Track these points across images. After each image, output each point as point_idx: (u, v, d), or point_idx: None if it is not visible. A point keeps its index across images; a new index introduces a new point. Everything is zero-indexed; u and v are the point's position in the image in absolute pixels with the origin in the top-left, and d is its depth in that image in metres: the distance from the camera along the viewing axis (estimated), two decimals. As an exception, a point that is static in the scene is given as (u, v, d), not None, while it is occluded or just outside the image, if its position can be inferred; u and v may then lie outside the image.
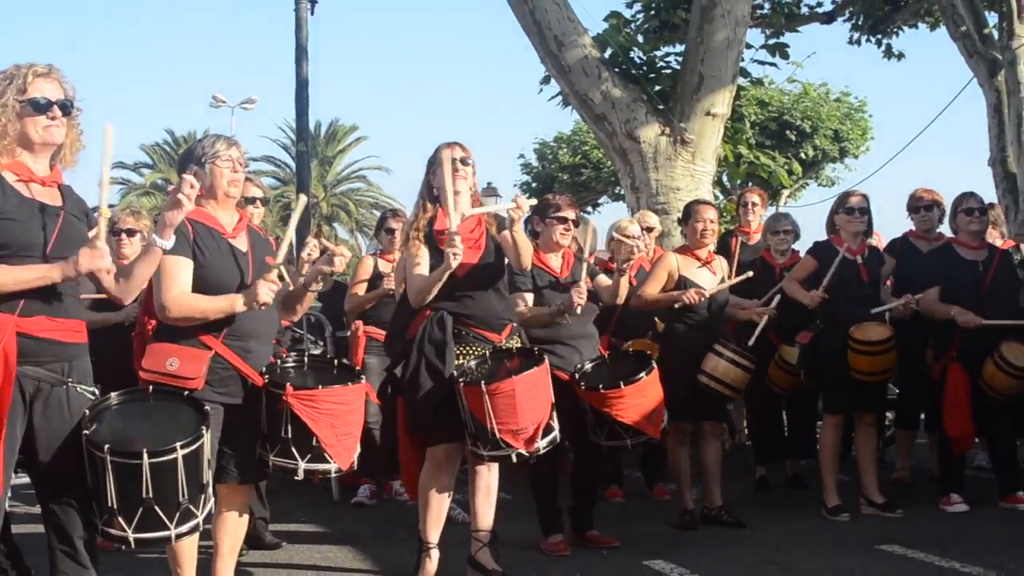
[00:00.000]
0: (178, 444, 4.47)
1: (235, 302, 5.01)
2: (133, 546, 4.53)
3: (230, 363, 5.07)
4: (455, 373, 5.79)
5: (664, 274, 7.48)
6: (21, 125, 4.38)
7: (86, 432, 4.40)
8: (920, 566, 6.28)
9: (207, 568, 5.36)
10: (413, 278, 5.91)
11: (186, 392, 4.85)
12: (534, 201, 6.16)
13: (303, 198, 5.67)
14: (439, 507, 5.99)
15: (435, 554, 5.96)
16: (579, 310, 6.56)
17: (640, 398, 6.51)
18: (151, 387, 4.88)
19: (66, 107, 4.45)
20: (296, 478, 5.24)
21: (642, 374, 6.53)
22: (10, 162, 4.39)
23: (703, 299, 7.35)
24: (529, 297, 6.74)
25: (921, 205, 8.62)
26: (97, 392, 4.58)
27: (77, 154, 4.59)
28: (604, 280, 7.14)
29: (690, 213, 7.71)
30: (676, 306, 7.34)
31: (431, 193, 6.05)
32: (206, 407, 4.75)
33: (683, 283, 7.43)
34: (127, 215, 7.56)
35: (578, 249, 7.07)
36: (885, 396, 8.51)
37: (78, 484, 4.43)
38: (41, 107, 4.39)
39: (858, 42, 18.04)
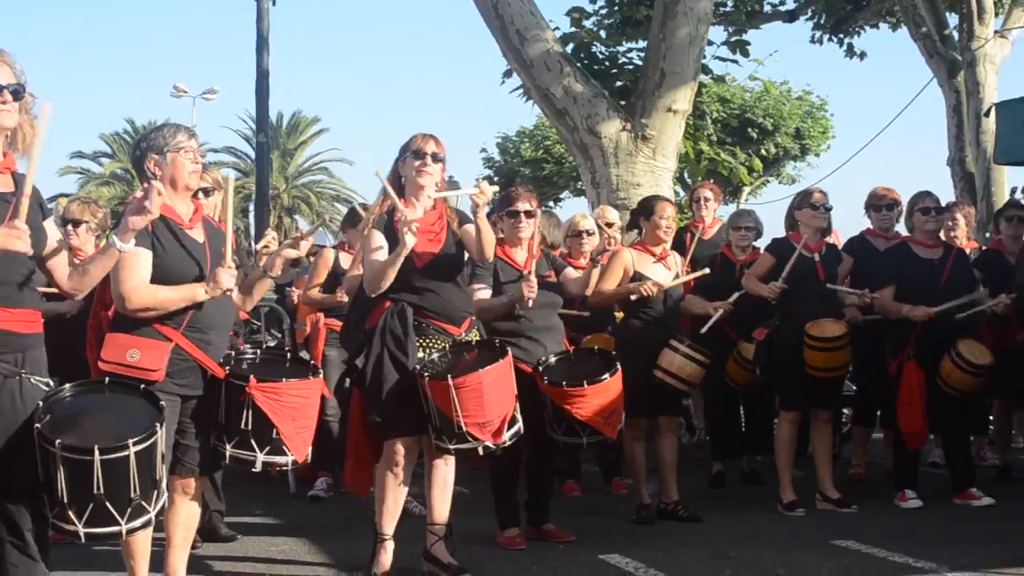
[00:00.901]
0: (131, 441, 4.42)
1: (196, 291, 4.99)
2: (83, 540, 4.49)
3: (190, 354, 5.04)
4: (418, 367, 5.77)
5: (619, 270, 7.48)
6: None
7: (38, 425, 4.34)
8: (874, 561, 6.31)
9: (161, 560, 5.33)
10: (369, 264, 5.89)
11: (143, 385, 4.81)
12: (496, 188, 6.12)
13: (230, 178, 5.64)
14: (395, 499, 5.96)
15: (390, 546, 5.94)
16: (530, 303, 6.53)
17: (601, 398, 6.51)
18: (107, 379, 4.83)
19: (18, 92, 4.37)
20: (254, 470, 5.25)
21: (606, 375, 6.53)
22: None
23: (659, 292, 7.35)
24: (486, 294, 6.73)
25: (882, 204, 8.67)
26: (52, 383, 4.54)
27: (34, 140, 4.52)
28: (572, 273, 7.10)
29: (651, 209, 7.70)
30: (632, 298, 7.34)
31: (398, 181, 6.01)
32: (161, 402, 4.71)
33: (638, 279, 7.41)
34: (76, 205, 7.49)
35: (541, 242, 7.05)
36: (841, 392, 8.58)
37: (28, 476, 4.37)
38: None
39: (820, 41, 18.17)
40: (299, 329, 9.29)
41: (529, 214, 6.84)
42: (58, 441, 4.31)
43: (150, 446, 4.50)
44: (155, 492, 4.60)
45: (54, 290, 4.70)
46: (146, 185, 4.60)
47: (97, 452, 4.34)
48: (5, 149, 4.47)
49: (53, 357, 4.65)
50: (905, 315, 7.72)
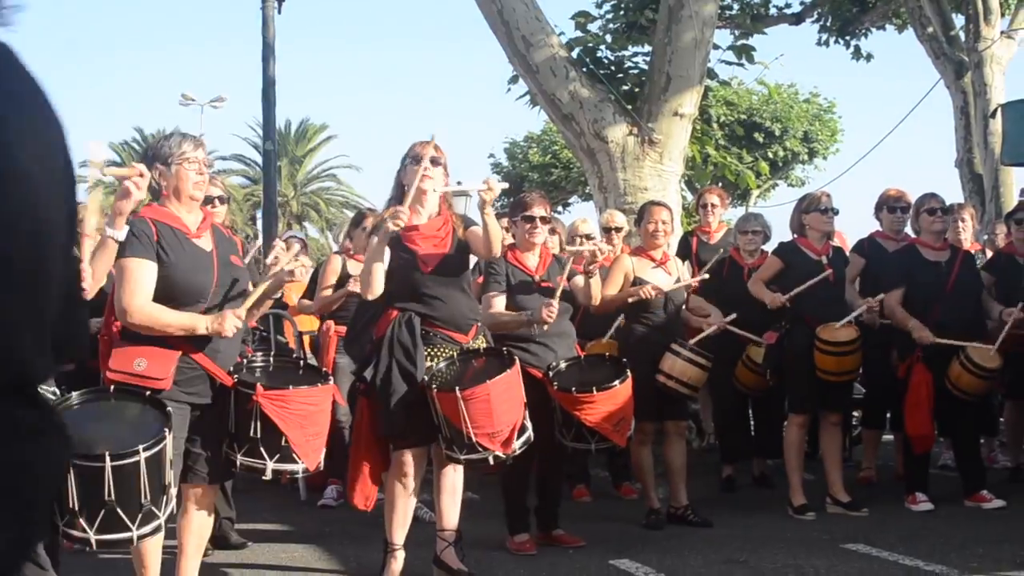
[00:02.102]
0: (140, 447, 4.46)
1: (197, 322, 4.98)
2: (95, 547, 4.53)
3: (198, 363, 5.05)
4: (426, 378, 5.78)
5: (620, 275, 7.49)
6: None
7: (46, 432, 4.36)
8: (885, 565, 6.31)
9: (172, 568, 5.33)
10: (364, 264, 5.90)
11: (147, 392, 4.82)
12: (506, 184, 6.13)
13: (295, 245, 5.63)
14: (405, 509, 5.97)
15: (400, 555, 5.95)
16: (546, 328, 6.55)
17: (611, 405, 6.51)
18: (112, 387, 4.85)
19: None
20: (264, 478, 5.26)
21: (616, 382, 6.54)
22: None
23: (659, 296, 7.35)
24: (501, 300, 6.73)
25: (898, 205, 8.62)
26: (58, 392, 4.56)
27: None
28: (580, 282, 7.11)
29: (643, 214, 7.75)
30: (630, 300, 7.35)
31: (401, 188, 6.02)
32: (168, 407, 4.73)
33: (638, 284, 7.44)
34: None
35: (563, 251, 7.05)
36: (851, 396, 8.57)
37: None
38: None
39: (827, 43, 18.14)
40: (306, 335, 9.31)
41: (544, 220, 6.87)
42: None
43: (159, 452, 4.55)
44: (164, 498, 4.64)
45: None
46: (132, 168, 4.59)
47: (108, 459, 4.37)
48: None
49: (73, 373, 4.68)
50: (910, 330, 7.69)
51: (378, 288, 5.79)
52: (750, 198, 31.48)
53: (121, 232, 4.55)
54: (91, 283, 4.62)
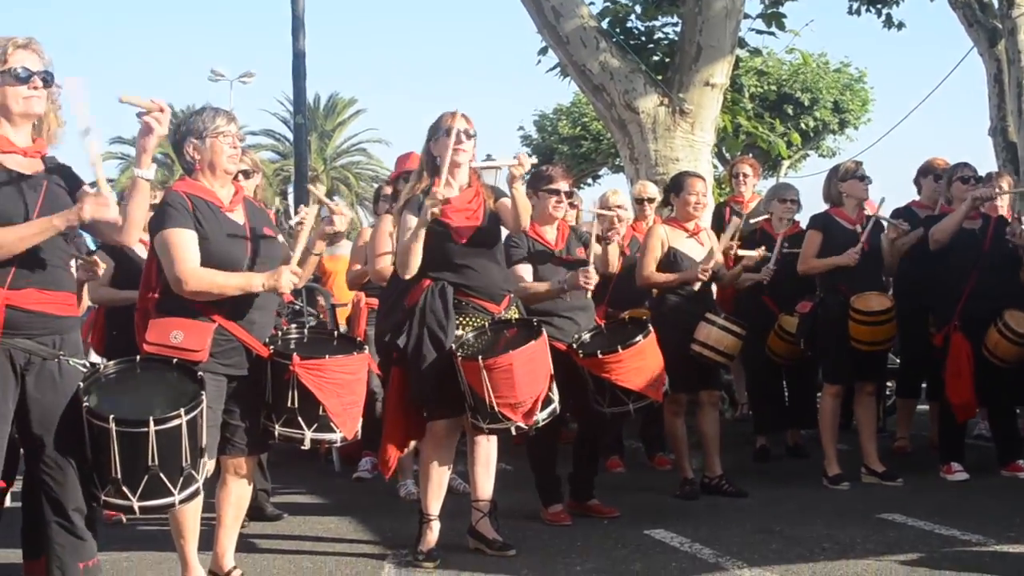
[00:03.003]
0: (182, 410, 4.51)
1: (253, 280, 5.01)
2: (138, 514, 4.59)
3: (234, 335, 5.06)
4: (453, 346, 5.79)
5: (657, 245, 7.46)
6: (2, 96, 4.39)
7: (87, 404, 4.42)
8: (920, 534, 6.28)
9: (210, 539, 5.38)
10: (400, 244, 5.90)
11: (175, 360, 4.84)
12: (535, 160, 6.11)
13: (319, 194, 5.63)
14: (440, 480, 6.00)
15: (436, 525, 5.97)
16: (588, 294, 6.53)
17: (639, 361, 6.51)
18: (139, 357, 4.88)
19: (47, 78, 4.44)
20: (303, 447, 5.30)
21: (639, 337, 6.52)
22: None
23: (706, 276, 7.34)
24: (528, 269, 6.73)
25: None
26: (88, 365, 4.60)
27: (58, 129, 4.58)
28: (598, 249, 7.10)
29: (681, 186, 7.68)
30: (687, 287, 7.38)
31: (432, 162, 6.02)
32: (199, 373, 4.77)
33: (672, 255, 7.43)
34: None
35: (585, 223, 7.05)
36: (885, 365, 8.52)
37: (74, 456, 4.44)
38: (22, 78, 4.39)
39: (857, 12, 17.95)
40: (339, 309, 9.34)
41: (568, 194, 6.85)
42: (112, 416, 4.39)
43: (197, 415, 4.60)
44: (201, 460, 4.69)
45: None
46: (152, 103, 4.57)
47: (152, 423, 4.41)
48: (34, 135, 4.53)
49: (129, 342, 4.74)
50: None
51: (415, 268, 5.80)
52: (780, 169, 31.31)
53: (148, 171, 4.52)
54: (129, 229, 4.58)
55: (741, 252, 8.00)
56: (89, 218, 4.29)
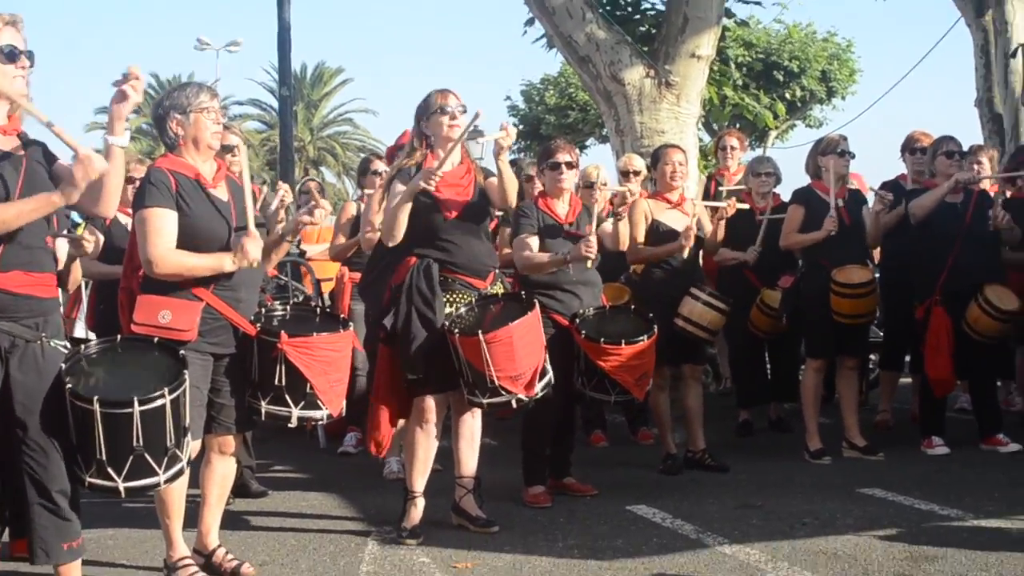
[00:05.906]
0: (165, 389, 4.51)
1: (223, 260, 5.00)
2: (123, 495, 4.58)
3: (221, 313, 5.08)
4: (447, 324, 5.81)
5: (641, 219, 7.47)
6: None
7: (69, 386, 4.42)
8: (900, 509, 6.34)
9: (195, 517, 5.41)
10: (387, 212, 5.91)
11: (156, 340, 4.84)
12: (520, 127, 6.13)
13: (242, 145, 5.59)
14: (425, 457, 6.02)
15: (420, 502, 6.00)
16: (589, 264, 6.54)
17: (636, 360, 6.54)
18: (119, 337, 4.89)
19: (32, 57, 4.41)
20: (290, 425, 5.32)
21: (643, 336, 6.56)
22: None
23: (689, 241, 7.31)
24: (535, 241, 6.73)
25: (919, 148, 8.52)
26: (68, 346, 4.60)
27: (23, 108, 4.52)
28: (608, 228, 7.08)
29: (658, 157, 7.71)
30: (662, 254, 7.39)
31: (425, 139, 6.03)
32: (181, 352, 4.77)
33: (656, 227, 7.45)
34: (135, 163, 7.25)
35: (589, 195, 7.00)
36: (867, 340, 8.55)
37: (58, 438, 4.44)
38: (12, 56, 4.35)
39: (845, -18, 17.90)
40: (323, 283, 9.34)
41: (570, 165, 6.85)
42: (95, 398, 4.39)
43: (181, 394, 4.60)
44: (185, 439, 4.70)
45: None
46: (127, 71, 4.47)
47: (136, 404, 4.42)
48: (10, 112, 4.48)
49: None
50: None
51: (399, 236, 5.82)
52: (768, 139, 31.29)
53: (121, 138, 4.47)
54: (107, 198, 4.52)
55: (708, 204, 8.06)
56: (85, 184, 4.24)
